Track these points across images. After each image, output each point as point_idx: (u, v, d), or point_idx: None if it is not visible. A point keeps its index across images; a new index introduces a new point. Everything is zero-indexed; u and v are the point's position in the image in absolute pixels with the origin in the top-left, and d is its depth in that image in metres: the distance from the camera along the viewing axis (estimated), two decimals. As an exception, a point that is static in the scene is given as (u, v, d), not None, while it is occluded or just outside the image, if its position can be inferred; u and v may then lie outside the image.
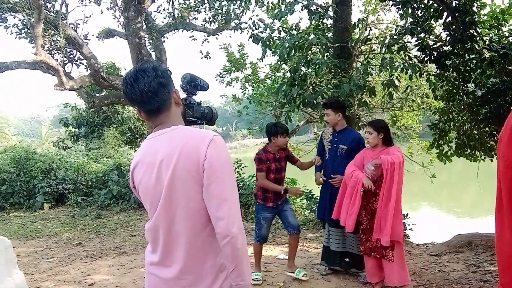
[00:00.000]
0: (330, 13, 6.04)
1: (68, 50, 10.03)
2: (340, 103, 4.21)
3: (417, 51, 6.14)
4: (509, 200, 1.94)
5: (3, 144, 27.23)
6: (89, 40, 10.68)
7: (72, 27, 9.76)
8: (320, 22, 6.04)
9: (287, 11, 5.72)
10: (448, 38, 5.93)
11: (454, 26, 5.68)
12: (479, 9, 5.64)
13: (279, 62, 6.79)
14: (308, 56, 5.77)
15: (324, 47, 5.74)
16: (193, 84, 1.79)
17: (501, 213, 2.02)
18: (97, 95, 12.46)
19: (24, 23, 9.36)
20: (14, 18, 9.42)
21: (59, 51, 9.77)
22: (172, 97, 1.54)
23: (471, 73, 6.02)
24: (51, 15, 9.31)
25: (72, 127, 15.62)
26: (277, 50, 5.83)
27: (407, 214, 7.01)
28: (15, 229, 7.97)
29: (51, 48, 9.73)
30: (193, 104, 1.79)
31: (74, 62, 10.50)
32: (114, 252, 5.93)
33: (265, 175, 4.09)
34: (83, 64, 10.41)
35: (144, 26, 10.29)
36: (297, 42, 5.55)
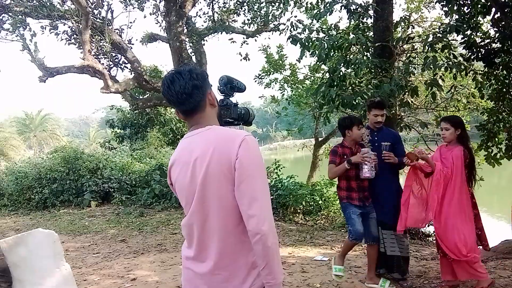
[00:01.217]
0: (370, 12, 5.93)
1: (113, 54, 10.46)
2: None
3: (463, 49, 5.91)
4: None
5: (54, 144, 28.76)
6: (133, 44, 11.11)
7: (117, 33, 10.18)
8: (360, 21, 5.93)
9: (326, 11, 5.68)
10: (497, 34, 5.67)
11: (503, 22, 5.43)
12: (530, 3, 5.34)
13: (318, 63, 6.74)
14: (347, 56, 5.69)
15: (364, 46, 5.64)
16: (230, 86, 1.84)
17: None
18: (141, 97, 12.90)
19: (73, 30, 9.87)
20: (64, 25, 9.97)
21: (105, 56, 10.22)
22: (207, 99, 1.59)
23: (523, 71, 5.71)
24: (98, 22, 9.75)
25: (118, 129, 16.21)
26: (316, 51, 5.79)
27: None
28: (65, 225, 8.39)
29: (97, 53, 10.20)
30: (230, 105, 1.83)
31: (119, 66, 10.94)
32: (155, 249, 6.12)
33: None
34: (127, 67, 10.83)
35: (185, 30, 10.55)
36: (336, 42, 5.49)
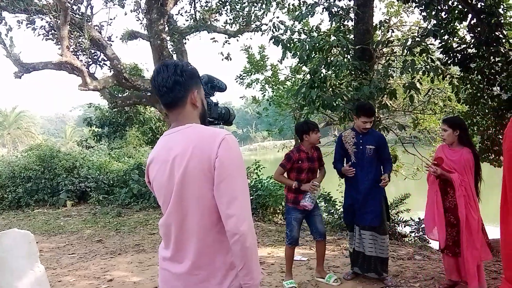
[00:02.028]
0: (351, 15, 6.01)
1: (93, 51, 10.27)
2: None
3: (440, 53, 6.04)
4: None
5: (30, 143, 28.04)
6: (112, 41, 10.93)
7: (96, 29, 10.00)
8: (341, 24, 6.00)
9: (308, 13, 5.72)
10: (472, 40, 5.82)
11: (479, 28, 5.58)
12: (505, 10, 5.52)
13: (299, 64, 6.79)
14: (328, 58, 5.75)
15: (344, 49, 5.71)
16: (211, 85, 1.83)
17: (505, 207, 2.00)
18: (120, 95, 12.71)
19: (51, 25, 9.64)
20: (42, 20, 9.72)
21: (84, 52, 10.03)
22: (189, 97, 1.57)
23: (497, 76, 5.88)
24: (77, 17, 9.56)
25: (96, 127, 15.95)
26: (297, 52, 5.83)
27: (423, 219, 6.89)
28: (39, 225, 8.18)
29: (76, 49, 9.99)
30: (210, 104, 1.82)
31: (98, 63, 10.75)
32: (133, 250, 6.03)
33: (287, 173, 4.11)
34: (106, 65, 10.65)
35: (166, 28, 10.45)
36: (317, 44, 5.53)
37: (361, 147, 4.04)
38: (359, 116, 4.05)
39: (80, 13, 9.84)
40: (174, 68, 1.54)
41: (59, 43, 8.82)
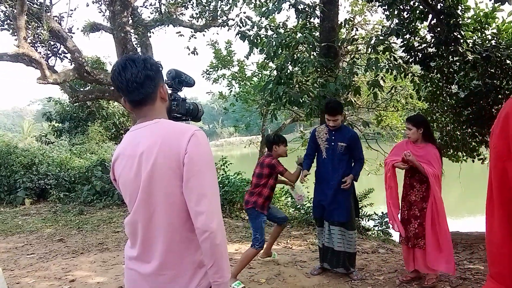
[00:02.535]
0: (317, 12, 6.07)
1: (52, 43, 9.86)
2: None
3: (402, 52, 6.21)
4: (499, 191, 1.95)
5: (-16, 138, 26.64)
6: (73, 33, 10.55)
7: (56, 20, 9.60)
8: (307, 21, 6.05)
9: (274, 9, 5.72)
10: (432, 40, 6.01)
11: (438, 28, 5.77)
12: (463, 12, 5.72)
13: (266, 60, 6.80)
14: (294, 54, 5.79)
15: (311, 46, 5.76)
16: (178, 80, 1.79)
17: (491, 204, 2.03)
18: (81, 89, 12.29)
19: (7, 14, 9.17)
20: (-4, 9, 9.22)
21: (43, 44, 9.61)
22: (158, 91, 1.53)
23: (455, 75, 6.11)
24: (35, 7, 9.15)
25: (56, 122, 15.36)
26: (264, 48, 5.83)
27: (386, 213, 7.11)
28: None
29: (34, 41, 9.56)
30: (178, 100, 1.78)
31: (58, 55, 10.34)
32: (96, 249, 5.86)
33: (267, 179, 4.22)
34: (67, 57, 10.26)
35: (130, 21, 10.18)
36: (284, 41, 5.55)
37: (332, 143, 4.10)
38: (326, 113, 4.10)
39: (38, 3, 9.42)
40: (144, 62, 1.48)
41: (15, 33, 8.40)
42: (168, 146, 1.43)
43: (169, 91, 1.78)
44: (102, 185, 9.67)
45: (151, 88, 1.50)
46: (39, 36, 9.20)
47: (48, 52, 9.94)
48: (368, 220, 7.65)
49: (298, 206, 7.33)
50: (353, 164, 4.17)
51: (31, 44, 8.94)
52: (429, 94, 6.64)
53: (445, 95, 6.37)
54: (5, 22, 9.52)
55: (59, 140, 14.26)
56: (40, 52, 9.40)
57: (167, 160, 1.42)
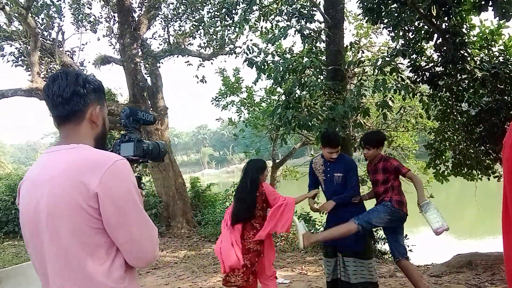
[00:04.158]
0: (323, 36, 6.15)
1: (64, 77, 10.10)
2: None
3: (409, 72, 6.23)
4: None
5: (-1, 172, 27.07)
6: (85, 67, 10.81)
7: (68, 54, 9.87)
8: (313, 45, 6.13)
9: (280, 35, 5.82)
10: (439, 59, 6.02)
11: (445, 48, 5.78)
12: (468, 30, 5.75)
13: (273, 85, 6.86)
14: (302, 79, 5.83)
15: (317, 70, 5.81)
16: (133, 118, 1.67)
17: (507, 221, 1.95)
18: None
19: (21, 51, 9.47)
20: (11, 46, 9.53)
21: (55, 78, 9.85)
22: (88, 112, 1.37)
23: (464, 92, 6.08)
24: (48, 43, 9.43)
25: (68, 154, 15.57)
26: (271, 74, 5.89)
27: (406, 235, 6.95)
28: (9, 259, 7.81)
29: (47, 76, 9.80)
30: (132, 140, 1.63)
31: (70, 89, 10.56)
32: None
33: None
34: (79, 90, 10.48)
35: (140, 52, 10.42)
36: (291, 66, 5.62)
37: (328, 175, 3.97)
38: (324, 147, 3.96)
39: (51, 39, 9.72)
40: (76, 77, 1.34)
41: (29, 69, 8.65)
42: (77, 177, 1.22)
43: (124, 131, 1.67)
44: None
45: (78, 106, 1.34)
46: (52, 71, 9.45)
47: (61, 85, 10.18)
48: (384, 244, 7.48)
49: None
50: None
51: (44, 79, 9.19)
52: (439, 113, 6.60)
53: (455, 113, 6.33)
54: (19, 59, 9.82)
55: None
56: (53, 86, 9.63)
57: (75, 193, 1.21)
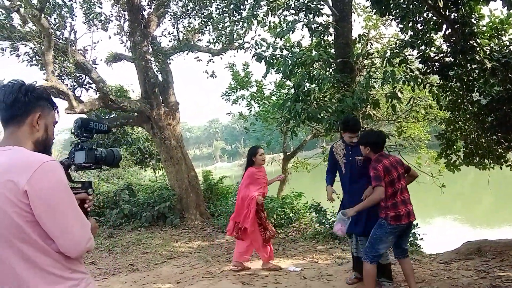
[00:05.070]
0: (331, 30, 6.19)
1: (78, 75, 10.30)
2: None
3: (419, 63, 6.23)
4: None
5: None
6: (97, 64, 11.00)
7: (80, 53, 10.05)
8: (321, 39, 6.18)
9: (288, 29, 5.88)
10: (449, 49, 6.01)
11: (454, 38, 5.78)
12: (477, 20, 5.73)
13: (283, 79, 6.94)
14: (311, 72, 5.90)
15: (326, 62, 5.87)
16: (85, 128, 1.79)
17: None
18: (107, 117, 12.71)
19: (35, 51, 9.66)
20: (25, 46, 9.73)
21: (69, 76, 10.05)
22: (29, 118, 1.53)
23: (475, 82, 6.07)
24: (61, 42, 9.61)
25: (83, 150, 15.82)
26: (280, 68, 5.97)
27: (417, 224, 7.00)
28: None
29: (61, 74, 10.01)
30: (83, 149, 1.77)
31: (84, 86, 10.77)
32: (127, 270, 6.00)
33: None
34: (92, 88, 10.67)
35: (150, 50, 10.55)
36: (299, 59, 5.69)
37: (350, 158, 4.16)
38: (344, 132, 4.20)
39: (64, 38, 9.89)
40: (19, 86, 1.51)
41: (43, 68, 8.84)
42: (9, 177, 1.36)
43: (78, 141, 1.81)
44: (130, 208, 9.89)
45: (19, 112, 1.50)
46: (66, 69, 9.64)
47: (74, 83, 10.38)
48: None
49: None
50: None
51: (58, 77, 9.38)
52: (449, 103, 6.59)
53: (466, 103, 6.32)
54: (34, 58, 10.03)
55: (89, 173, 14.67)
56: (67, 84, 9.83)
57: (6, 191, 1.35)
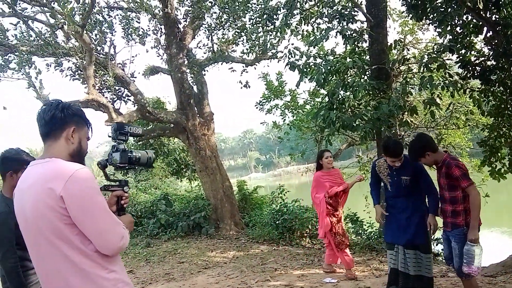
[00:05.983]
0: (365, 36, 6.10)
1: (117, 88, 10.67)
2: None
3: (459, 67, 6.03)
4: None
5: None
6: (135, 77, 11.34)
7: (120, 67, 10.42)
8: (355, 46, 6.10)
9: (322, 37, 5.85)
10: (490, 52, 5.79)
11: (496, 40, 5.56)
12: (520, 21, 5.48)
13: (316, 87, 6.89)
14: (345, 79, 5.82)
15: (360, 70, 5.79)
16: (120, 132, 1.95)
17: None
18: (144, 128, 13.06)
19: (77, 66, 10.11)
20: (68, 62, 10.21)
21: (109, 90, 10.43)
22: (64, 132, 1.70)
23: (520, 86, 5.80)
24: (101, 57, 10.01)
25: (122, 161, 16.29)
26: (314, 76, 5.94)
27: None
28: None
29: (101, 87, 10.41)
30: (118, 151, 1.93)
31: (123, 99, 11.14)
32: (163, 279, 6.08)
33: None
34: (130, 100, 11.02)
35: (186, 62, 10.79)
36: (333, 67, 5.64)
37: (395, 178, 4.01)
38: (386, 155, 4.00)
39: (104, 53, 10.30)
40: (57, 105, 1.70)
41: (85, 82, 9.21)
42: (48, 185, 1.54)
43: (114, 143, 1.96)
44: (166, 218, 10.05)
45: (55, 127, 1.68)
46: (106, 83, 10.02)
47: (114, 96, 10.76)
48: (437, 244, 7.24)
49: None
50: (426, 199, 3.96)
51: (98, 90, 9.76)
52: (492, 109, 6.31)
53: (510, 108, 6.04)
54: (76, 73, 10.50)
55: (126, 177, 15.10)
56: (107, 97, 10.20)
57: (47, 198, 1.53)
